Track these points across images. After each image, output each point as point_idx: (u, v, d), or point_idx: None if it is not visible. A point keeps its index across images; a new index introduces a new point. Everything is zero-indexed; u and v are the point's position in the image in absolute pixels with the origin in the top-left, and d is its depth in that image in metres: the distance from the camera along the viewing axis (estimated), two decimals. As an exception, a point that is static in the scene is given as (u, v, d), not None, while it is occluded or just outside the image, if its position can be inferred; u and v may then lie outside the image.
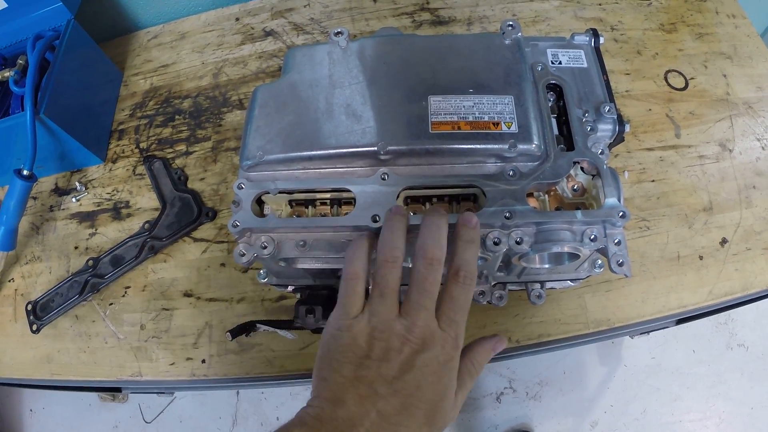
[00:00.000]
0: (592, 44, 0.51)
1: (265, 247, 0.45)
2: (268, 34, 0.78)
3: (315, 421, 0.33)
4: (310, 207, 0.48)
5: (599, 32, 0.51)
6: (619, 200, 0.45)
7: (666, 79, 0.72)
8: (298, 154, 0.46)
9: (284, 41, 0.77)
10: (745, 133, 0.70)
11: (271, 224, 0.45)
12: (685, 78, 0.72)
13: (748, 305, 0.72)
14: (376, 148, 0.44)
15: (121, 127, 0.76)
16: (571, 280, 0.54)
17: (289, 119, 0.47)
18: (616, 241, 0.43)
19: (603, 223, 0.43)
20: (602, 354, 1.35)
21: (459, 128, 0.44)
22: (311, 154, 0.45)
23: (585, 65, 0.49)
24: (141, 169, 0.73)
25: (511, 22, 0.49)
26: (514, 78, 0.46)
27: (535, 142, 0.43)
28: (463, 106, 0.45)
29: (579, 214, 0.42)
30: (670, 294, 0.61)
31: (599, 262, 0.47)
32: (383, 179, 0.44)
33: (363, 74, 0.48)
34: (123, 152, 0.74)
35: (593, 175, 0.45)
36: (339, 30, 0.51)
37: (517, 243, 0.42)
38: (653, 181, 0.66)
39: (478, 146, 0.43)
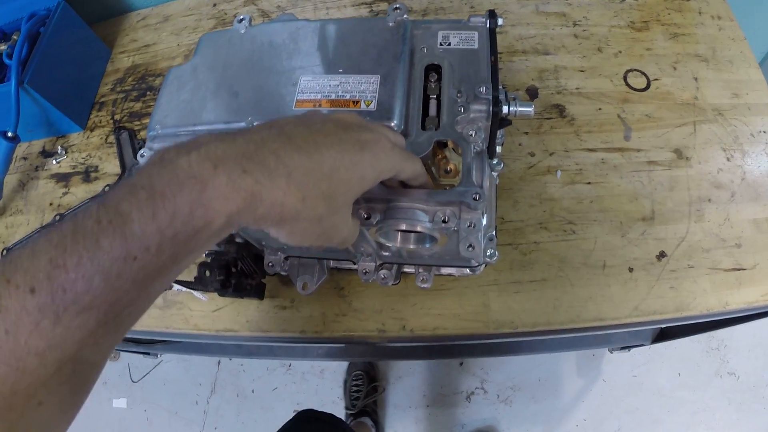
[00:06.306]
0: (488, 25, 0.49)
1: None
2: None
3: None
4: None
5: (496, 13, 0.49)
6: (481, 182, 0.44)
7: (625, 78, 0.67)
8: (184, 128, 0.49)
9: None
10: (709, 142, 0.64)
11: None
12: (648, 78, 0.67)
13: (742, 329, 0.64)
14: (244, 124, 0.46)
15: (102, 99, 0.83)
16: (470, 268, 0.53)
17: (184, 97, 0.50)
18: (469, 224, 0.42)
19: (460, 204, 0.42)
20: (581, 365, 1.28)
21: (320, 106, 0.44)
22: (193, 129, 0.48)
23: (476, 46, 0.48)
24: (112, 138, 0.79)
25: (397, 5, 0.49)
26: (386, 58, 0.46)
27: (395, 121, 0.43)
28: (329, 86, 0.45)
29: (428, 193, 0.42)
30: (587, 304, 0.57)
31: (469, 245, 0.43)
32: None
33: (251, 57, 0.50)
34: (101, 122, 0.81)
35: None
36: (242, 17, 0.53)
37: (366, 218, 0.43)
38: (589, 183, 0.62)
39: (334, 123, 0.44)
